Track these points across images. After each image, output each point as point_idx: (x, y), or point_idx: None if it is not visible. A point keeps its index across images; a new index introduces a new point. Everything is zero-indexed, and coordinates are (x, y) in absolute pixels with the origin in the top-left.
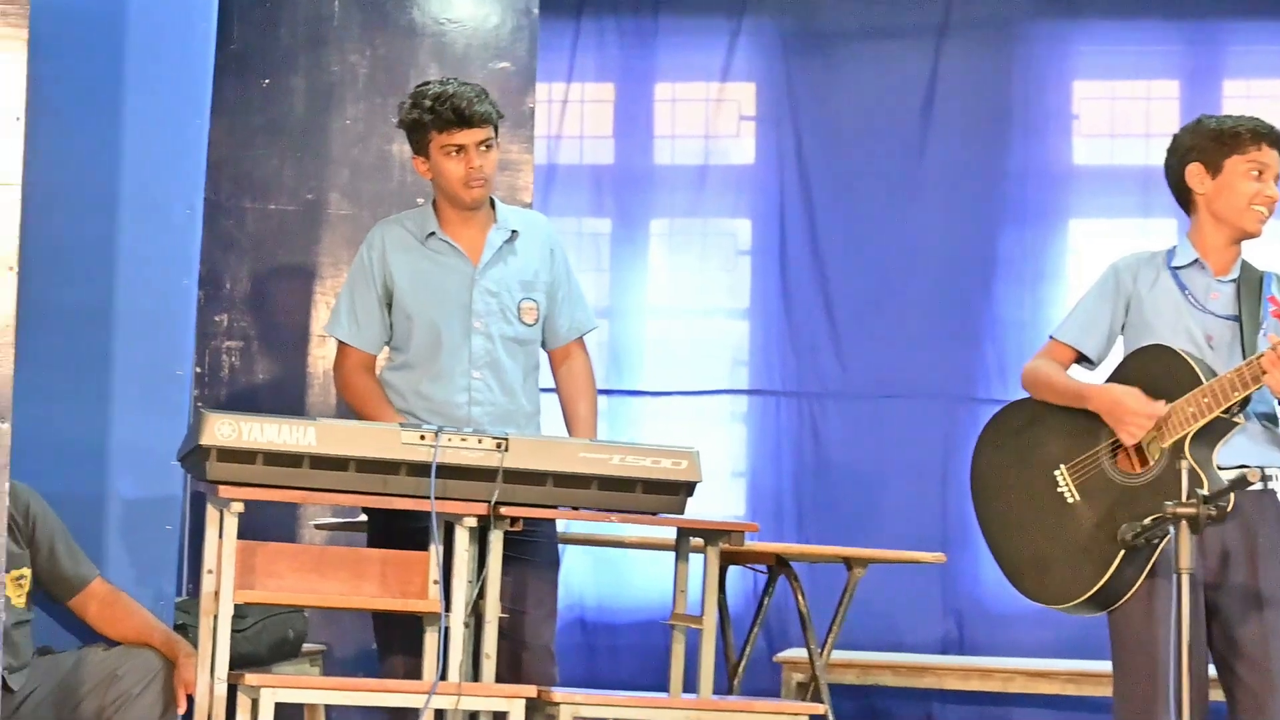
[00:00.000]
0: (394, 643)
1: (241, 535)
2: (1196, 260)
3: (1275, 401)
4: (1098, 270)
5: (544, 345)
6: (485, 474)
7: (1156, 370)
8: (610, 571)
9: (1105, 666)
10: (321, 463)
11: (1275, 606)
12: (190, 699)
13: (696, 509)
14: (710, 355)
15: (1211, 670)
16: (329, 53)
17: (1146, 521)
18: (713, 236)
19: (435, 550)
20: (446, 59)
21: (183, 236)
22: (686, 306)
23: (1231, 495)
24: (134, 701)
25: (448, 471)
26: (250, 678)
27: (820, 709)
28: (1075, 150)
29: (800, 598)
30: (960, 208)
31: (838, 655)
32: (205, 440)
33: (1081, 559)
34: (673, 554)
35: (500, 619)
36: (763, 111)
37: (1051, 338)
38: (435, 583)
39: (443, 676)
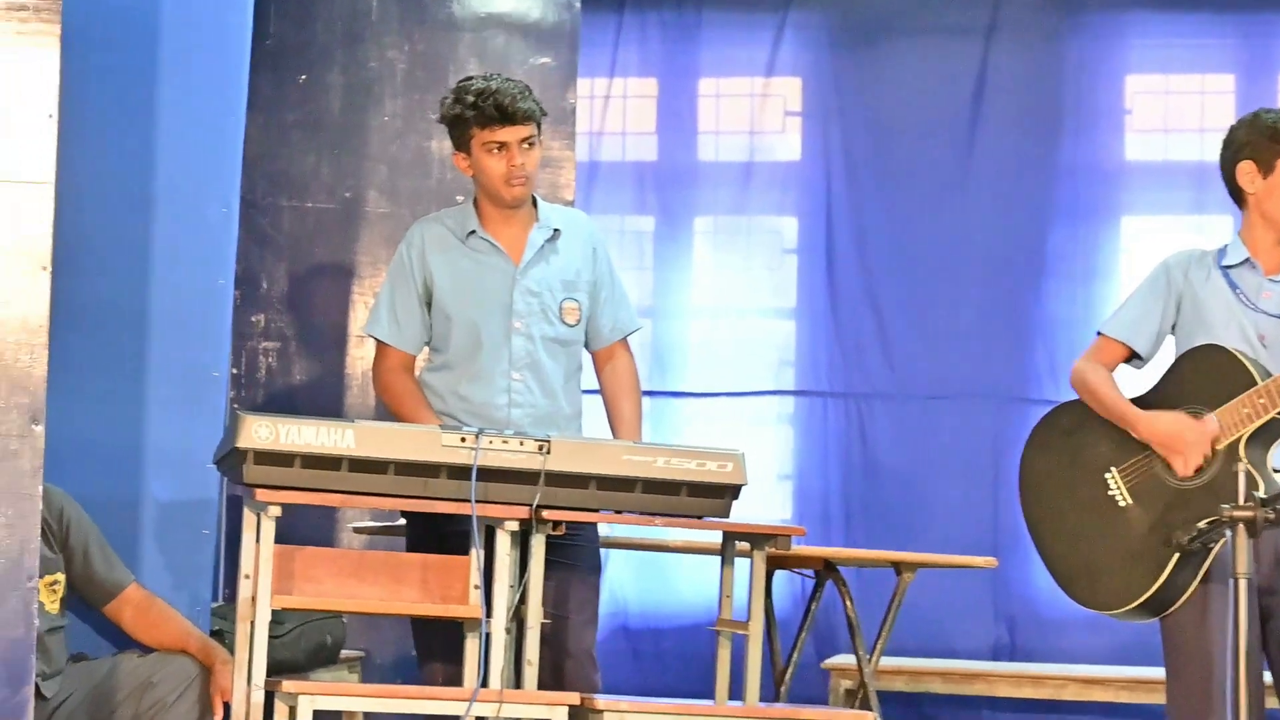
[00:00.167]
0: (434, 649)
1: (279, 539)
2: (1247, 259)
3: None
4: (1150, 268)
5: (587, 346)
6: (527, 477)
7: (1210, 370)
8: (654, 576)
9: (1161, 673)
10: (360, 465)
11: None
12: (227, 706)
13: (742, 512)
14: (756, 355)
15: (1267, 676)
16: (367, 48)
17: (1201, 525)
18: (758, 234)
19: (476, 555)
20: (486, 54)
21: (218, 235)
22: (731, 306)
23: None
24: (169, 709)
25: (489, 474)
26: (288, 685)
27: (869, 716)
28: (1128, 146)
29: (848, 603)
30: (1010, 204)
31: (887, 662)
32: (242, 443)
33: (1133, 564)
34: (718, 558)
35: (542, 624)
36: (809, 107)
37: (1100, 333)
38: (476, 588)
39: (484, 683)
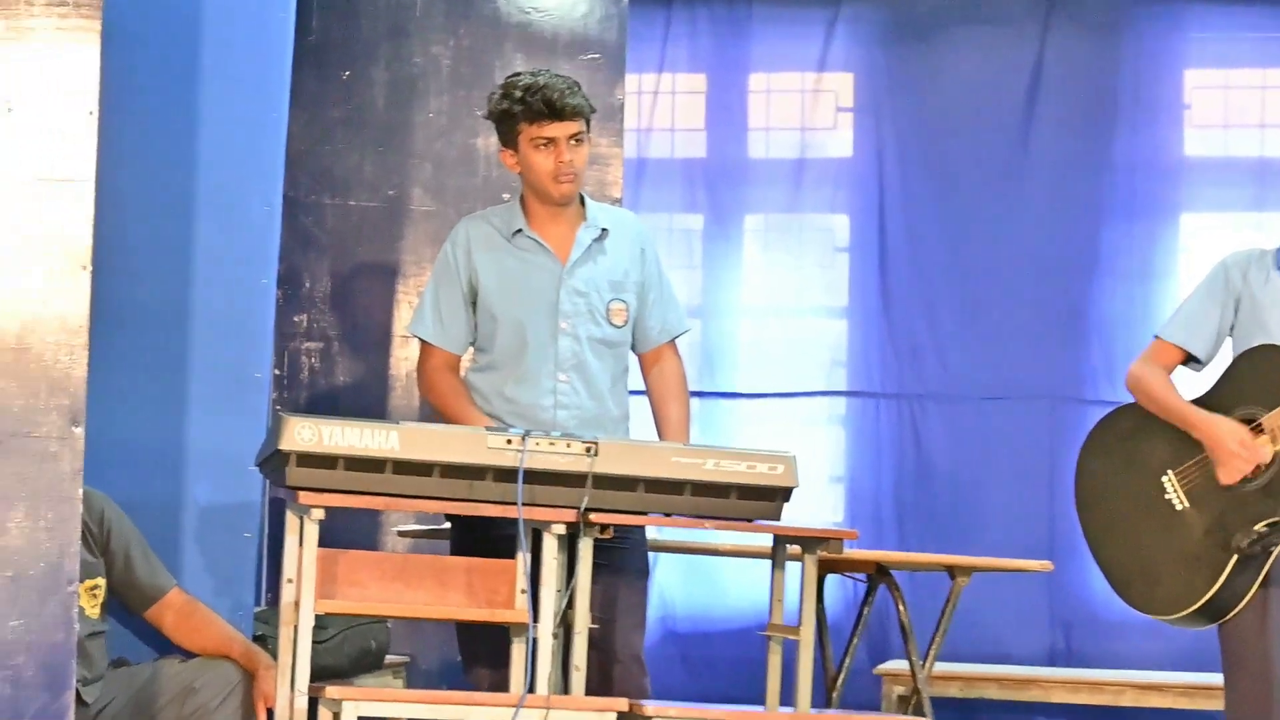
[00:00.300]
0: (480, 654)
1: (322, 543)
2: None
3: None
4: (1209, 267)
5: (634, 348)
6: (574, 479)
7: (1268, 371)
8: (703, 580)
9: (1220, 679)
10: (405, 468)
11: None
12: (270, 712)
13: (793, 515)
14: (807, 356)
15: None
16: (411, 44)
17: (1261, 528)
18: (809, 232)
19: (523, 558)
20: (533, 49)
21: (261, 234)
22: (782, 305)
23: None
24: (212, 715)
25: (535, 477)
26: (331, 690)
27: None
28: (1187, 141)
29: (901, 607)
30: (1066, 201)
31: (940, 667)
32: (285, 445)
33: (1191, 568)
34: (768, 562)
35: (589, 629)
36: (861, 102)
37: (1157, 337)
38: (523, 592)
39: (530, 689)
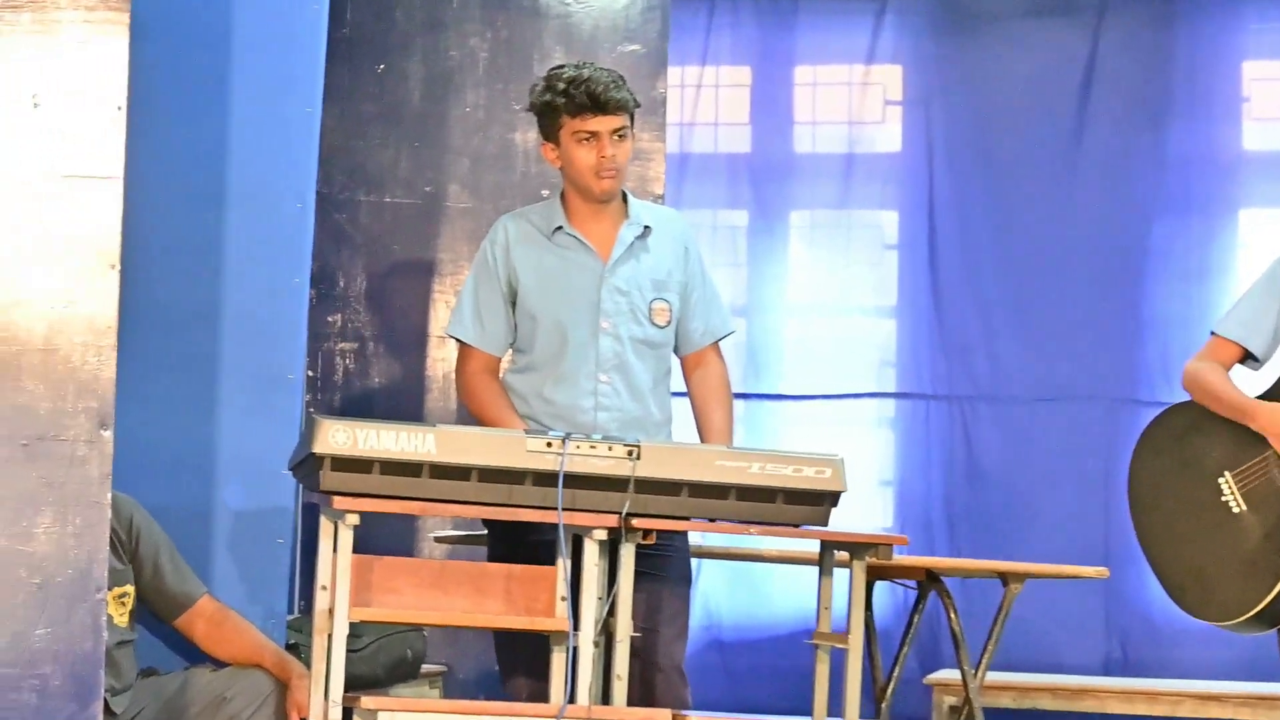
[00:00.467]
0: (519, 663)
1: (357, 549)
2: None
3: None
4: (1269, 262)
5: (676, 350)
6: (616, 484)
7: None
8: (748, 587)
9: None
10: (442, 472)
11: None
12: None
13: (841, 520)
14: (855, 356)
15: None
16: (447, 36)
17: None
18: (857, 229)
19: (563, 565)
20: (573, 42)
21: (293, 232)
22: (829, 304)
23: None
24: None
25: (576, 481)
26: (366, 700)
27: None
28: (1245, 135)
29: (952, 615)
30: (1120, 197)
31: (993, 677)
32: (318, 448)
33: (1248, 572)
34: (816, 568)
35: (631, 638)
36: (910, 96)
37: (1213, 333)
38: (563, 599)
39: (571, 699)
